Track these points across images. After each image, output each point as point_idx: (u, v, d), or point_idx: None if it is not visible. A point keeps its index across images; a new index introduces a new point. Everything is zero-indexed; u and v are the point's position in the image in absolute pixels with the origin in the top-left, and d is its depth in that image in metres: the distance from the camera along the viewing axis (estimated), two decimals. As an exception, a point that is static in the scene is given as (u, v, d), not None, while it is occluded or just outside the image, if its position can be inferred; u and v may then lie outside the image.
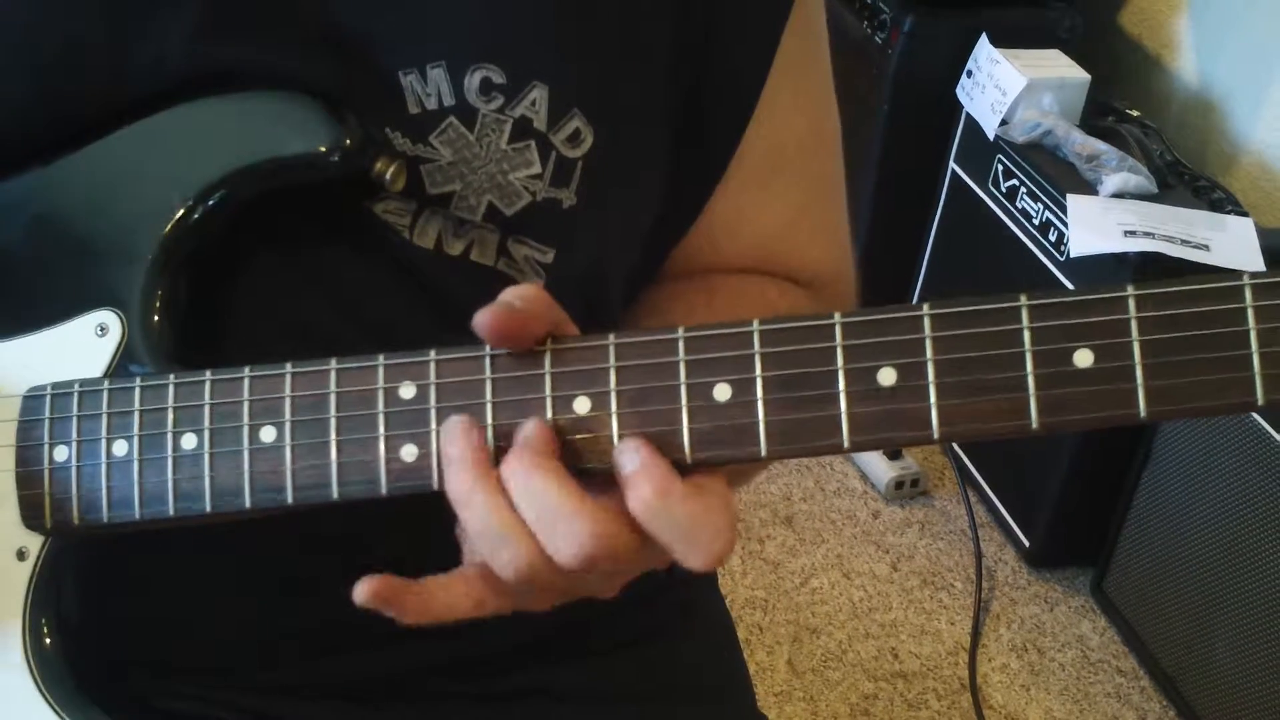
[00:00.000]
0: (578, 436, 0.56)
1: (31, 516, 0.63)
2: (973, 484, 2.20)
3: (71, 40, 0.65)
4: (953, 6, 2.14)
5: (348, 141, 0.63)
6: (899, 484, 2.21)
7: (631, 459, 0.54)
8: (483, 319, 0.55)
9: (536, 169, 0.68)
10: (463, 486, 0.55)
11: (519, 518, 0.54)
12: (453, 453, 0.56)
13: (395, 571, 0.73)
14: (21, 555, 0.63)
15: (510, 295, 0.56)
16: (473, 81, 0.66)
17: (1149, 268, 1.70)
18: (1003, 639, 2.00)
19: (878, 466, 2.23)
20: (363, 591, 0.56)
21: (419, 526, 0.71)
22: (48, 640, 0.64)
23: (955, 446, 2.22)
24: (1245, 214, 1.83)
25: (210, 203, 0.63)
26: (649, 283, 0.80)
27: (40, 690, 0.63)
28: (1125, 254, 1.73)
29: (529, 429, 0.56)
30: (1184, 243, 1.72)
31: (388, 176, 0.64)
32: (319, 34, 0.66)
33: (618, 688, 0.83)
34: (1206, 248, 1.72)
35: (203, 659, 0.75)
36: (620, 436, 0.56)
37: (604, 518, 0.54)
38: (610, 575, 0.57)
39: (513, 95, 0.67)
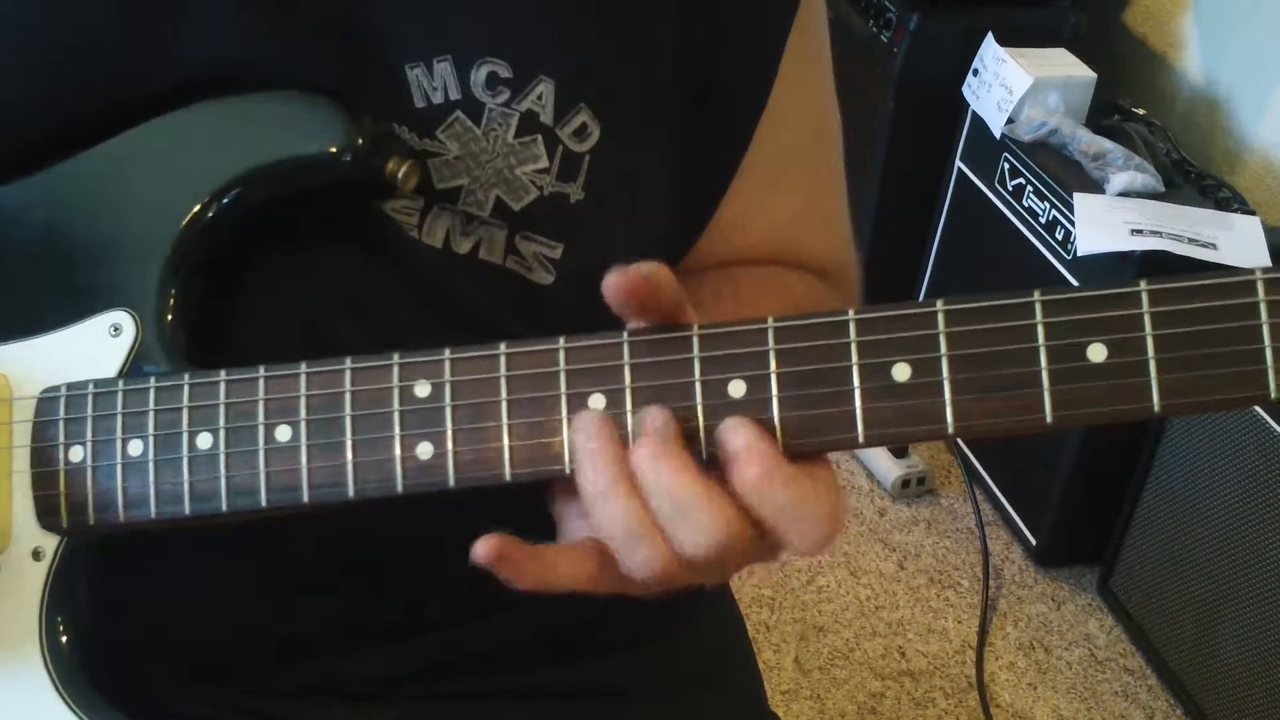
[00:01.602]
0: None
1: (47, 517, 0.63)
2: (979, 482, 2.20)
3: (78, 38, 0.65)
4: (958, 5, 2.13)
5: (360, 142, 0.63)
6: (905, 482, 2.21)
7: (733, 439, 0.54)
8: (616, 279, 0.55)
9: (544, 163, 0.68)
10: (601, 482, 0.55)
11: (653, 516, 0.54)
12: (591, 446, 0.55)
13: (404, 569, 0.74)
14: (37, 555, 0.64)
15: (642, 266, 0.55)
16: (479, 75, 0.66)
17: (1156, 266, 1.70)
18: (1010, 637, 2.00)
19: (884, 465, 2.23)
20: (483, 550, 0.55)
21: (435, 524, 0.71)
22: (63, 639, 0.64)
23: (962, 444, 2.22)
24: (1252, 212, 1.83)
25: (224, 203, 0.63)
26: None
27: (57, 688, 0.63)
28: (1132, 252, 1.73)
29: (656, 417, 0.55)
30: (1191, 241, 1.72)
31: (400, 176, 0.64)
32: (325, 29, 0.66)
33: (626, 686, 0.83)
34: (1214, 246, 1.71)
35: (217, 660, 0.75)
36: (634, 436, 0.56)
37: (729, 504, 0.53)
38: (723, 565, 0.56)
39: (519, 89, 0.67)
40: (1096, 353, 0.51)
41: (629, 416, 0.56)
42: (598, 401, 0.56)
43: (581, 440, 0.55)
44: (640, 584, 0.57)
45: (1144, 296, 0.51)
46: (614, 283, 0.55)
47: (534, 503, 0.73)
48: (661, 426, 0.54)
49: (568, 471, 0.57)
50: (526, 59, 0.67)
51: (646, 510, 0.54)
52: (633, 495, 0.54)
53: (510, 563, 0.56)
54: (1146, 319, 0.51)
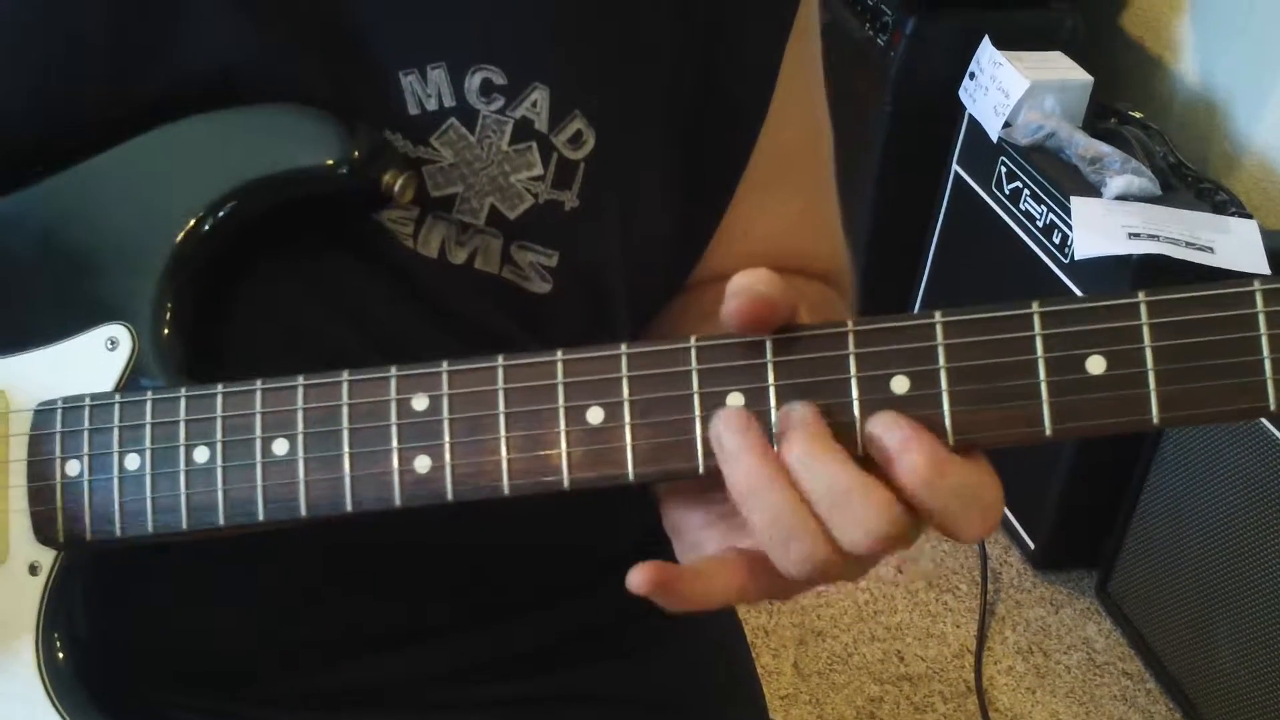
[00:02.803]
0: (592, 447, 0.56)
1: (44, 531, 0.63)
2: (977, 486, 2.19)
3: (69, 40, 0.65)
4: (955, 8, 2.13)
5: (356, 154, 0.63)
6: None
7: (895, 432, 0.52)
8: (737, 307, 0.53)
9: (538, 170, 0.68)
10: (757, 478, 0.53)
11: (811, 510, 0.53)
12: (738, 443, 0.54)
13: (405, 577, 0.74)
14: (34, 570, 0.63)
15: (753, 280, 0.54)
16: (473, 82, 0.66)
17: (1153, 270, 1.69)
18: (1008, 641, 2.00)
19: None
20: (639, 580, 0.54)
21: (436, 532, 0.71)
22: (60, 654, 0.64)
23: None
24: (1249, 215, 1.83)
25: (220, 215, 0.63)
26: (674, 291, 0.80)
27: (53, 702, 0.63)
28: (1129, 256, 1.73)
29: (802, 412, 0.54)
30: (1188, 245, 1.72)
31: (396, 188, 0.64)
32: (318, 34, 0.65)
33: (627, 694, 0.83)
34: (1210, 250, 1.71)
35: (216, 669, 0.75)
36: (634, 447, 0.56)
37: (890, 493, 0.52)
38: (878, 557, 0.55)
39: (513, 96, 0.66)
40: (1095, 364, 0.51)
41: (626, 428, 0.56)
42: (595, 415, 0.56)
43: (729, 436, 0.54)
44: (793, 585, 0.56)
45: (1143, 308, 0.51)
46: (736, 311, 0.53)
47: (534, 509, 0.73)
48: (811, 420, 0.53)
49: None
50: (521, 66, 0.67)
51: (805, 503, 0.53)
52: (789, 488, 0.53)
53: (669, 588, 0.54)
54: (1145, 330, 0.51)
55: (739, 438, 0.54)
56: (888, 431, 0.53)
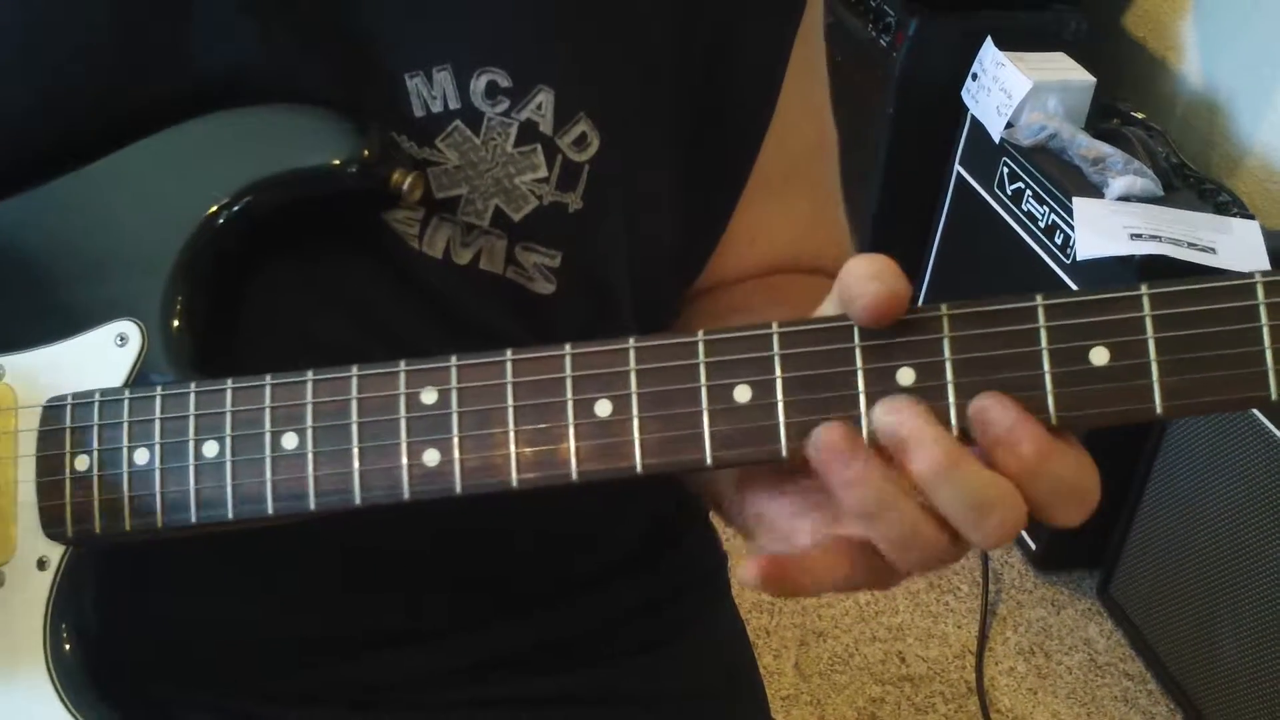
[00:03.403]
0: (601, 440, 0.56)
1: (52, 526, 0.63)
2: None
3: (77, 41, 0.65)
4: (957, 9, 2.14)
5: (366, 153, 0.63)
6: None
7: (1002, 415, 0.52)
8: (868, 302, 0.52)
9: (543, 172, 0.68)
10: (880, 499, 0.52)
11: (935, 517, 0.53)
12: (858, 468, 0.53)
13: (406, 576, 0.74)
14: (42, 565, 0.63)
15: (879, 267, 0.53)
16: (478, 85, 0.66)
17: (1155, 271, 1.70)
18: (1009, 642, 2.00)
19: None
20: (755, 571, 0.54)
21: (437, 530, 0.71)
22: (67, 648, 0.64)
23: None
24: (1251, 216, 1.83)
25: (230, 213, 0.63)
26: (680, 294, 0.80)
27: (61, 697, 0.63)
28: (1131, 257, 1.73)
29: (916, 422, 0.53)
30: (1190, 245, 1.72)
31: (405, 188, 0.64)
32: (324, 36, 0.66)
33: (629, 694, 0.83)
34: (1212, 250, 1.72)
35: (221, 666, 0.75)
36: (642, 439, 0.56)
37: (1013, 487, 0.52)
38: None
39: (518, 99, 0.67)
40: (1099, 356, 0.52)
41: (635, 421, 0.56)
42: (603, 408, 0.56)
43: (842, 460, 0.53)
44: (898, 575, 0.55)
45: (1145, 300, 0.52)
46: (871, 304, 0.52)
47: (539, 507, 0.73)
48: (940, 435, 0.53)
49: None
50: (526, 68, 0.67)
51: (929, 512, 0.53)
52: (912, 501, 0.53)
53: (780, 580, 0.54)
54: (1148, 322, 0.51)
55: (852, 459, 0.53)
56: (991, 415, 0.52)
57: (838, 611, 2.02)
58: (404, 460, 0.58)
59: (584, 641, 0.81)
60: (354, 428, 0.59)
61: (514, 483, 0.57)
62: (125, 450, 0.62)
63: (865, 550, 0.55)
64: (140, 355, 0.63)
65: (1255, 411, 1.65)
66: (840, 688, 1.91)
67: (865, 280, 0.52)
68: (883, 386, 0.54)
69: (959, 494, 0.52)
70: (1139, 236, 1.74)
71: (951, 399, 0.53)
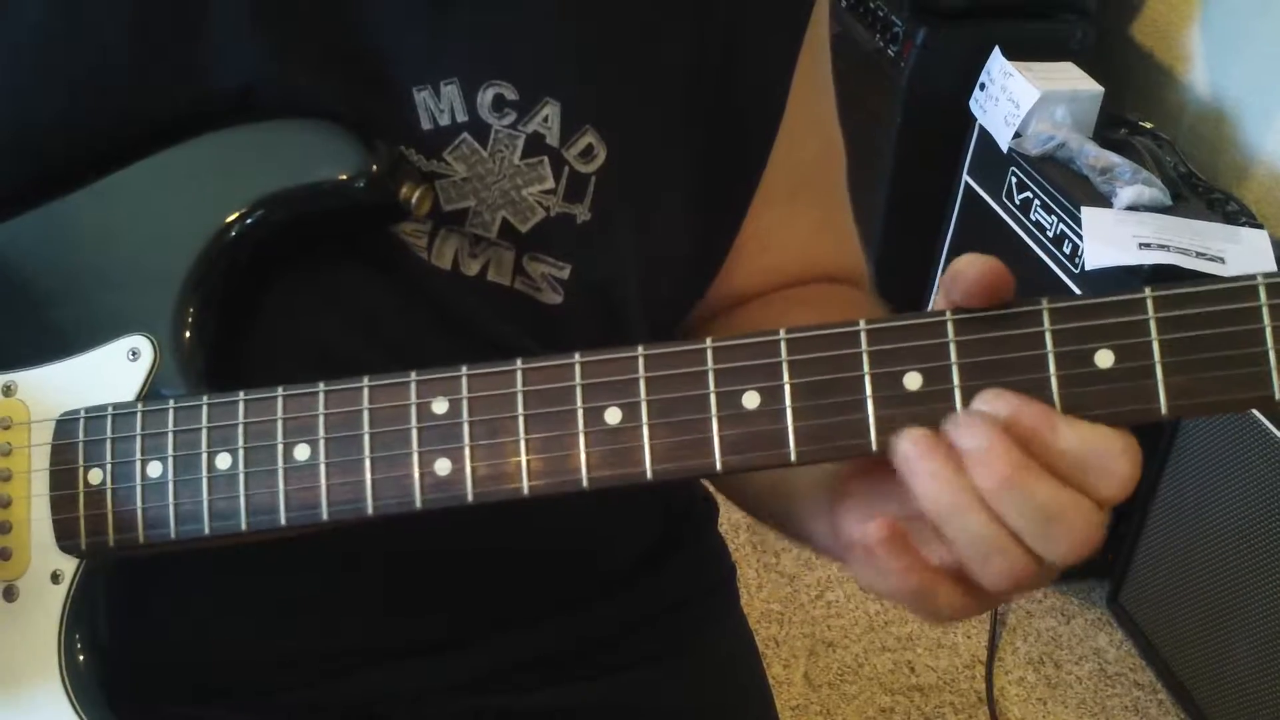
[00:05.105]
0: (611, 447, 0.57)
1: (66, 539, 0.63)
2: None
3: (93, 58, 0.65)
4: (965, 19, 2.14)
5: (375, 168, 0.64)
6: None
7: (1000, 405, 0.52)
8: (977, 269, 0.52)
9: (550, 184, 0.68)
10: (953, 503, 0.53)
11: (1010, 530, 0.52)
12: (929, 466, 0.53)
13: (413, 587, 0.74)
14: (56, 578, 0.64)
15: (979, 257, 0.53)
16: (485, 97, 0.67)
17: (1164, 280, 1.69)
18: (1019, 652, 2.00)
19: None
20: (880, 527, 0.53)
21: (446, 541, 0.72)
22: (82, 660, 0.64)
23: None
24: (1260, 225, 1.83)
25: (241, 228, 0.64)
26: (691, 305, 0.80)
27: (75, 709, 0.63)
28: (1140, 266, 1.73)
29: (985, 432, 0.52)
30: (1199, 255, 1.72)
31: (413, 201, 0.65)
32: (333, 51, 0.66)
33: (639, 704, 0.84)
34: (1221, 260, 1.72)
35: (227, 680, 0.75)
36: (651, 446, 0.56)
37: (1093, 507, 0.52)
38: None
39: (525, 111, 0.67)
40: (1104, 358, 0.52)
41: (644, 428, 0.56)
42: (613, 415, 0.57)
43: (915, 456, 0.53)
44: (992, 598, 0.56)
45: (1149, 303, 0.52)
46: (978, 277, 0.52)
47: (539, 522, 0.74)
48: (1012, 446, 0.52)
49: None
50: (533, 81, 0.67)
51: (1002, 524, 0.53)
52: (985, 511, 0.52)
53: (896, 545, 0.54)
54: (1152, 324, 0.52)
55: (923, 461, 0.53)
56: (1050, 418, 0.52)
57: (847, 621, 2.02)
58: (416, 470, 0.58)
59: (587, 654, 0.81)
60: (366, 438, 0.59)
61: (525, 490, 0.58)
62: (138, 463, 0.62)
63: (958, 573, 0.54)
64: (152, 369, 0.64)
65: (1264, 420, 1.65)
66: (850, 698, 1.91)
67: (975, 258, 0.53)
68: (890, 391, 0.54)
69: (1022, 505, 0.52)
70: (1148, 246, 1.74)
71: (959, 402, 0.54)
